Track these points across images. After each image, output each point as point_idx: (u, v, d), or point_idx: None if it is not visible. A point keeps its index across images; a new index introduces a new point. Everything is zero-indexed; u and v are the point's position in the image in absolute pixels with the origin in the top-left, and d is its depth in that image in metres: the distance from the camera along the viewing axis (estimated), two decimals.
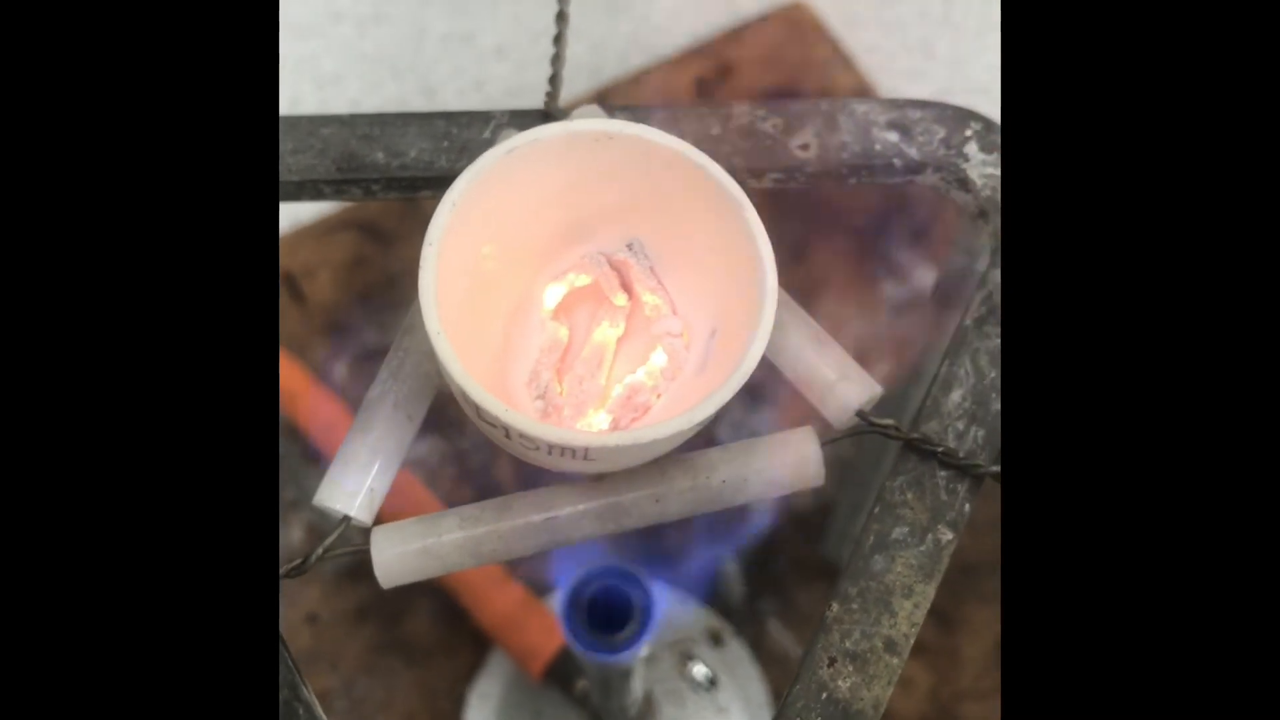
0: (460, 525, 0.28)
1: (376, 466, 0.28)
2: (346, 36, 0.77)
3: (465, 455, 0.65)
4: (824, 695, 0.27)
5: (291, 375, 0.66)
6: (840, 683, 0.27)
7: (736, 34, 0.76)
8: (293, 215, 0.72)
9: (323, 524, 0.60)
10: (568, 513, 0.28)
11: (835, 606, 0.27)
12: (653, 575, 0.41)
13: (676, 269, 0.29)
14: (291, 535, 0.65)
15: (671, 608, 0.43)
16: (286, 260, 0.71)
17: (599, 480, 0.28)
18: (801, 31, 0.76)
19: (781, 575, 0.65)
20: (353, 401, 0.67)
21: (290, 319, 0.69)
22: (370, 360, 0.69)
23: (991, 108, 0.36)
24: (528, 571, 0.63)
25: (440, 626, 0.63)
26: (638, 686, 0.48)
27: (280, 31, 0.83)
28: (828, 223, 0.71)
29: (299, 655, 0.26)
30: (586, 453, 0.25)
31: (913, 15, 0.77)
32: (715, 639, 0.62)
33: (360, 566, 0.67)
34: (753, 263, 0.26)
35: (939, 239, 0.73)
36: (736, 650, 0.62)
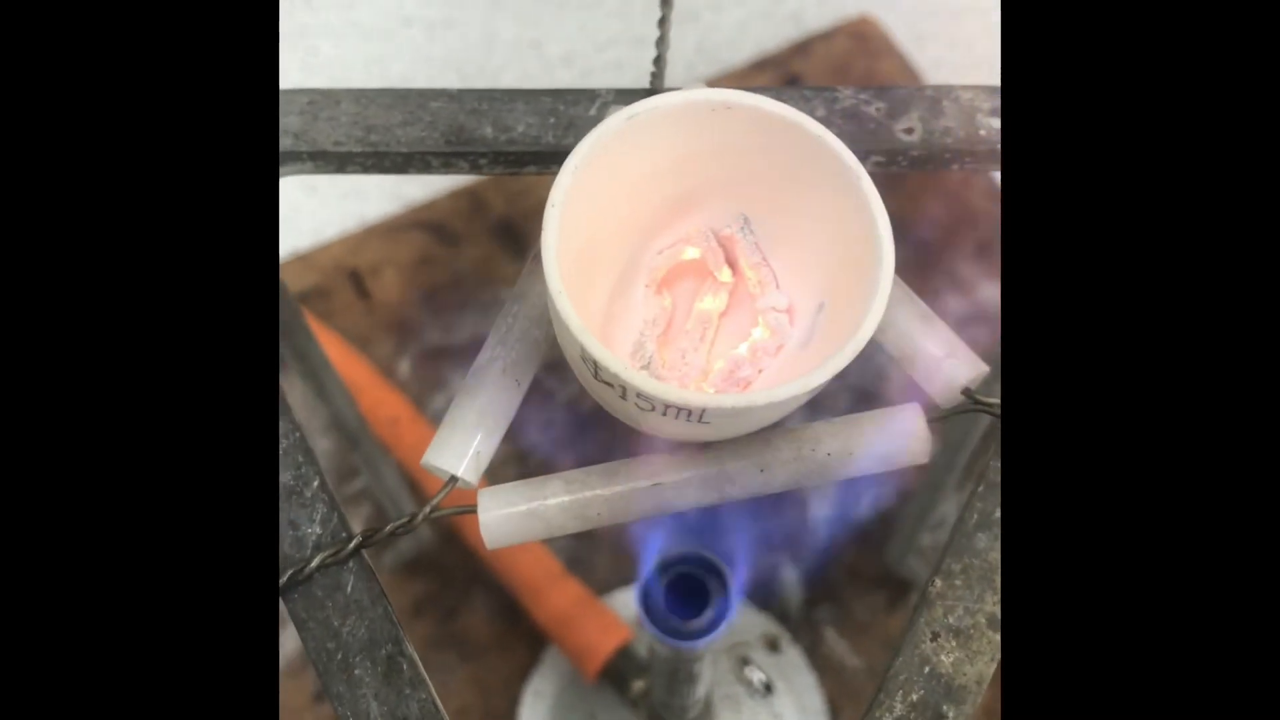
0: (566, 489, 0.28)
1: (483, 429, 0.28)
2: (416, 40, 0.78)
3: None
4: (926, 669, 0.27)
5: (356, 370, 0.66)
6: (943, 657, 0.27)
7: (803, 47, 0.77)
8: (360, 214, 0.73)
9: (390, 510, 0.61)
10: (673, 480, 0.28)
11: (938, 582, 0.27)
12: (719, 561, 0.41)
13: (785, 243, 0.29)
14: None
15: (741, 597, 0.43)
16: (352, 258, 0.72)
17: (704, 449, 0.28)
18: (868, 45, 0.77)
19: (839, 584, 0.64)
20: (416, 398, 0.67)
21: (355, 315, 0.70)
22: (434, 358, 0.70)
23: None
24: (588, 570, 0.63)
25: (497, 623, 0.63)
26: (702, 685, 0.48)
27: (350, 34, 0.85)
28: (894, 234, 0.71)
29: (353, 645, 0.27)
30: (702, 414, 0.25)
31: (979, 31, 0.77)
32: (772, 645, 0.62)
33: (419, 560, 0.67)
34: (867, 233, 0.26)
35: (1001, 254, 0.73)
36: (793, 657, 0.62)
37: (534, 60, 0.78)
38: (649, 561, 0.39)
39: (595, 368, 0.25)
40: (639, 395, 0.25)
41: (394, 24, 0.80)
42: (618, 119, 0.26)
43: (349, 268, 0.72)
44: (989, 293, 0.71)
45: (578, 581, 0.61)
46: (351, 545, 0.27)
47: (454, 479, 0.28)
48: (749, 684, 0.61)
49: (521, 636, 0.62)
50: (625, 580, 0.64)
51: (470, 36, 0.79)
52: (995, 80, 0.79)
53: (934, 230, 0.73)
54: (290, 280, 0.69)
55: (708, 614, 0.40)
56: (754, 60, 0.76)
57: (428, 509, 0.28)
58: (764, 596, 0.64)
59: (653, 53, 0.33)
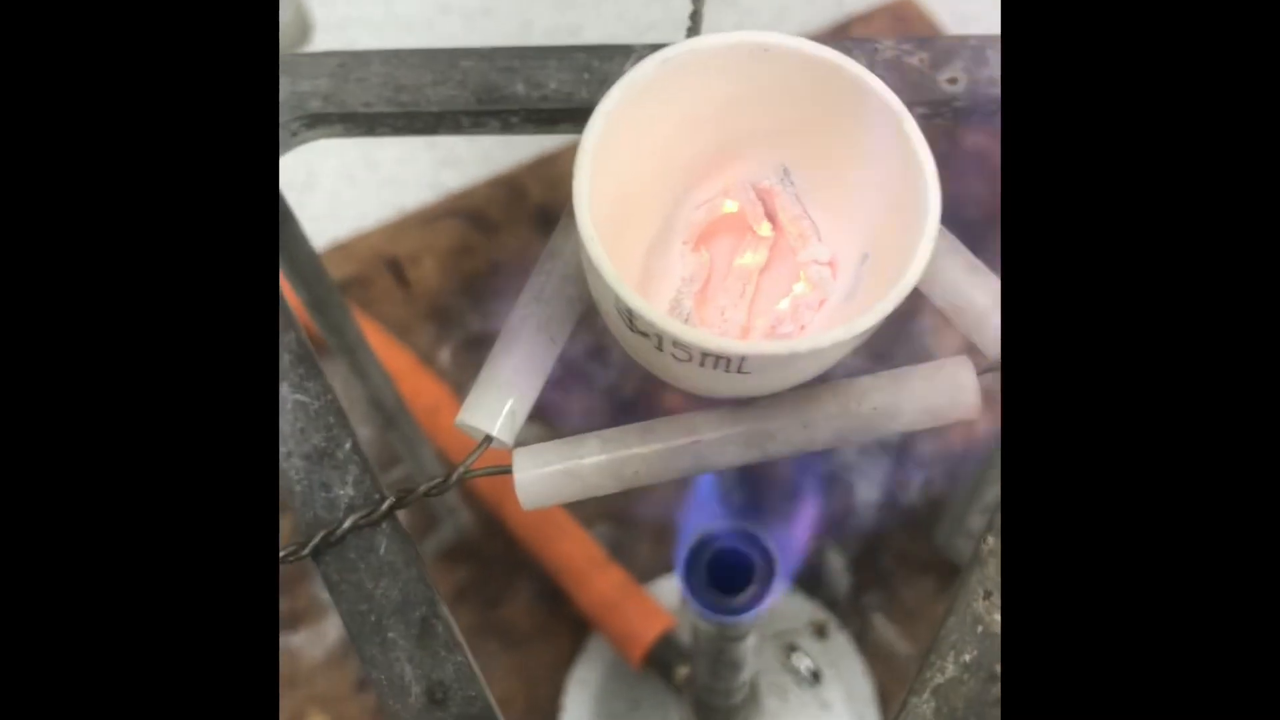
0: (602, 448, 0.27)
1: (518, 388, 0.27)
2: (453, 30, 0.78)
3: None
4: (979, 629, 0.26)
5: (396, 358, 0.66)
6: (995, 616, 0.26)
7: (843, 28, 0.76)
8: (397, 202, 0.73)
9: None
10: (712, 437, 0.27)
11: (990, 540, 0.26)
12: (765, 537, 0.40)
13: (827, 192, 0.28)
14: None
15: (786, 580, 0.42)
16: (391, 246, 0.71)
17: (745, 404, 0.27)
18: (909, 26, 0.76)
19: (888, 570, 0.63)
20: (456, 386, 0.67)
21: (395, 303, 0.70)
22: (474, 346, 0.69)
23: None
24: (630, 557, 0.62)
25: (539, 610, 0.62)
26: (747, 668, 0.47)
27: (390, 25, 0.84)
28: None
29: (386, 607, 0.26)
30: (742, 362, 0.24)
31: None
32: (820, 631, 0.61)
33: (461, 547, 0.67)
34: (912, 178, 0.25)
35: None
36: (841, 644, 0.61)
37: None
38: (691, 535, 0.38)
39: (630, 317, 0.24)
40: (675, 344, 0.24)
41: (432, 12, 0.80)
42: (652, 62, 0.26)
43: (388, 256, 0.72)
44: None
45: (620, 568, 0.61)
46: (385, 506, 0.27)
47: (488, 438, 0.27)
48: (796, 672, 0.60)
49: (564, 624, 0.62)
50: (667, 568, 0.63)
51: (508, 25, 0.79)
52: None
53: (979, 210, 0.72)
54: (330, 269, 0.69)
55: (751, 590, 0.39)
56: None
57: (461, 468, 0.27)
58: (811, 582, 0.63)
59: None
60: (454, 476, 0.27)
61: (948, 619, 0.26)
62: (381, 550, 0.27)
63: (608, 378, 0.62)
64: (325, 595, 0.62)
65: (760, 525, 0.39)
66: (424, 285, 0.71)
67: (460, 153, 0.75)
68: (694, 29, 0.31)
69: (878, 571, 0.63)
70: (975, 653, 0.25)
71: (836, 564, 0.64)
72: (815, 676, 0.60)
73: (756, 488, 0.61)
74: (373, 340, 0.60)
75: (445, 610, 0.26)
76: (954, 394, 0.27)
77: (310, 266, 0.37)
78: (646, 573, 0.62)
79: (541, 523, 0.61)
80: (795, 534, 0.39)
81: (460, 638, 0.26)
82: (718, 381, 0.25)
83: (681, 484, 0.43)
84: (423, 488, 0.27)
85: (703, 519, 0.39)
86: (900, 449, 0.66)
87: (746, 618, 0.39)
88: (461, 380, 0.68)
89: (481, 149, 0.75)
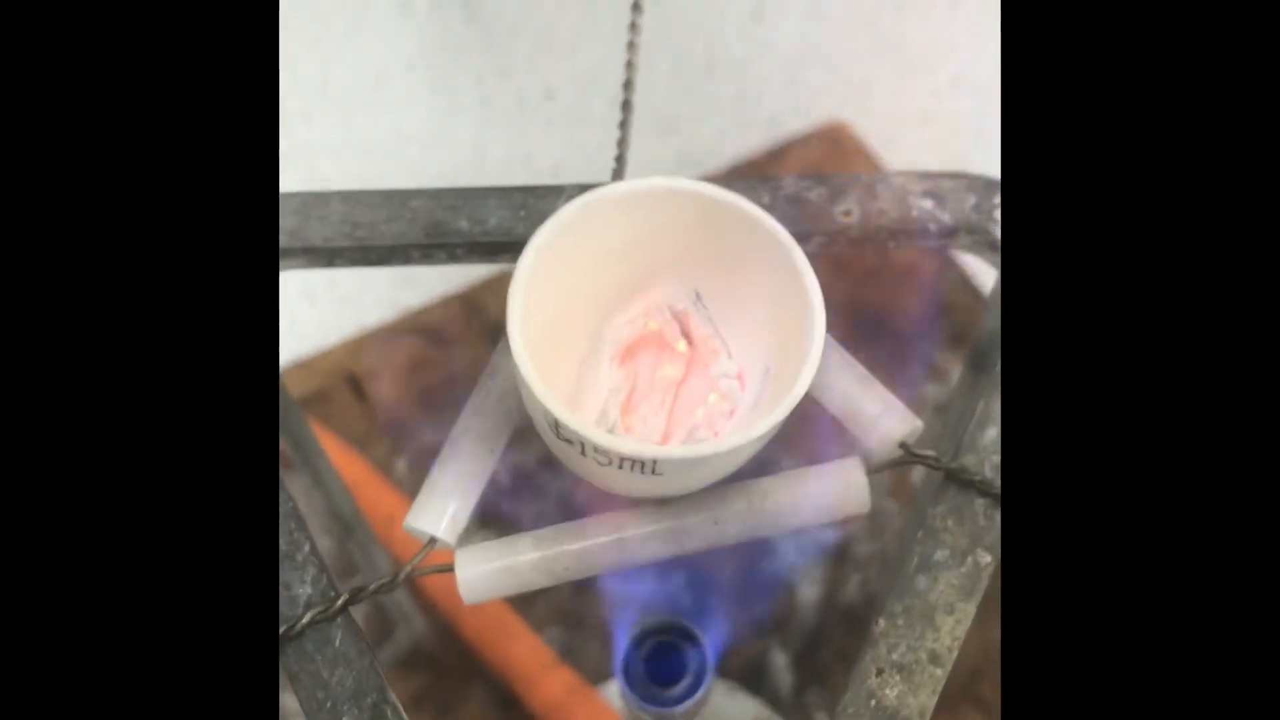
0: (536, 546, 0.30)
1: (459, 494, 0.31)
2: (412, 157, 0.82)
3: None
4: (873, 703, 0.29)
5: (354, 469, 0.69)
6: (888, 691, 0.29)
7: (779, 152, 0.81)
8: (358, 319, 0.76)
9: (386, 601, 0.62)
10: (635, 534, 0.30)
11: (882, 622, 0.30)
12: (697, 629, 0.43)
13: (733, 314, 0.32)
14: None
15: (719, 684, 0.44)
16: (350, 362, 0.74)
17: (663, 505, 0.30)
18: (841, 149, 0.81)
19: (828, 667, 0.66)
20: (411, 494, 0.70)
21: (353, 417, 0.73)
22: (428, 456, 0.72)
23: None
24: (579, 659, 0.64)
25: (492, 715, 0.64)
26: None
27: (349, 151, 0.89)
28: (871, 327, 0.74)
29: (341, 694, 0.29)
30: (655, 465, 0.27)
31: (946, 133, 0.81)
32: None
33: (416, 655, 0.69)
34: (802, 301, 0.29)
35: (975, 342, 0.76)
36: None
37: (523, 174, 0.82)
38: (626, 633, 0.41)
39: (557, 427, 0.27)
40: (596, 450, 0.27)
41: (391, 142, 0.84)
42: (575, 206, 0.29)
43: (347, 372, 0.75)
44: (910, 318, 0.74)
45: (570, 670, 0.63)
46: (339, 602, 0.30)
47: (433, 540, 0.30)
48: None
49: None
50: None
51: (463, 153, 0.83)
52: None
53: (910, 322, 0.76)
54: (292, 386, 0.72)
55: (685, 681, 0.41)
56: (732, 165, 0.80)
57: (408, 567, 0.30)
58: (754, 680, 0.65)
59: (639, 159, 0.36)
60: (401, 575, 0.30)
61: (844, 695, 0.29)
62: (337, 643, 0.29)
63: (552, 484, 0.65)
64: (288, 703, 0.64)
65: (695, 620, 0.42)
66: (381, 399, 0.74)
67: (418, 272, 0.78)
68: (619, 170, 0.35)
69: (819, 668, 0.66)
70: None
71: (779, 662, 0.67)
72: None
73: (697, 588, 0.64)
74: (332, 452, 0.62)
75: (394, 697, 0.29)
76: (847, 492, 0.30)
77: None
78: (597, 675, 0.64)
79: (493, 626, 0.64)
80: (724, 627, 0.42)
81: (406, 718, 0.29)
82: (635, 483, 0.29)
83: (621, 584, 0.46)
84: (373, 586, 0.30)
85: (636, 617, 0.42)
86: (838, 551, 0.69)
87: (679, 709, 0.41)
88: (417, 489, 0.70)
89: (438, 269, 0.78)
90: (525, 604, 0.66)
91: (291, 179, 0.35)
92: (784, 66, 0.84)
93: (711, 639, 0.41)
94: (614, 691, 0.64)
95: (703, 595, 0.60)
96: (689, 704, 0.41)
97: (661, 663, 0.42)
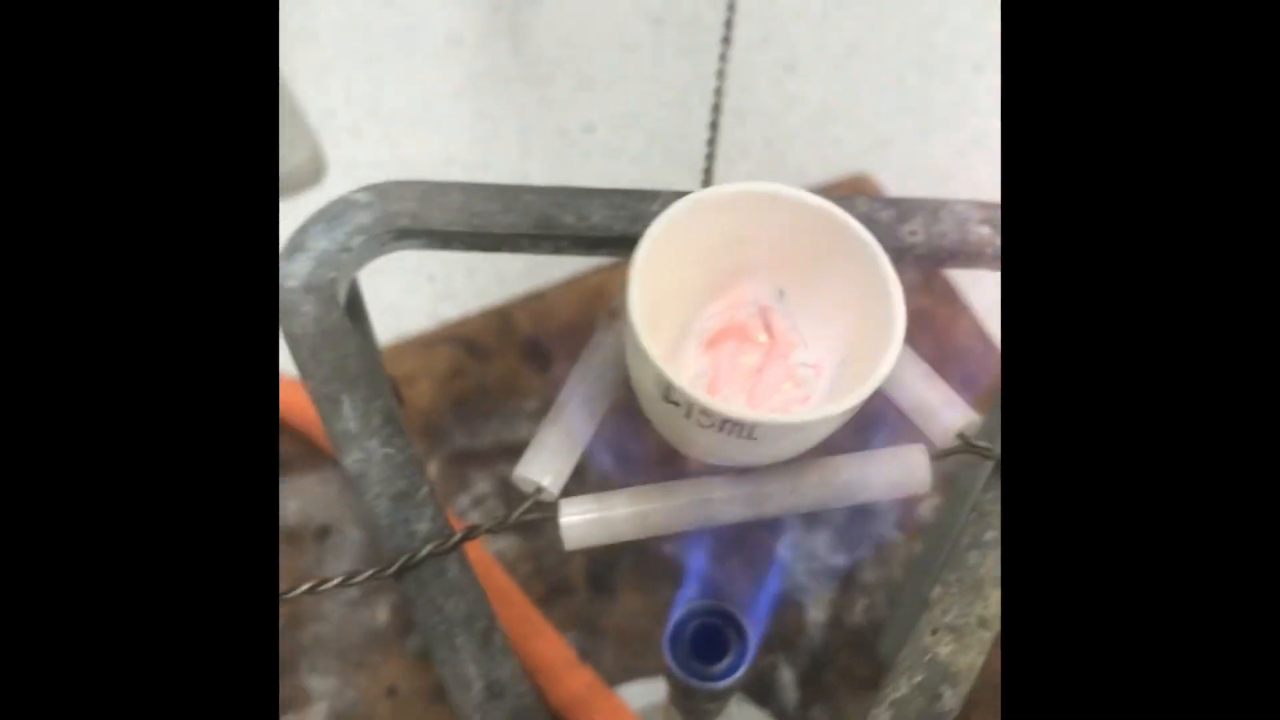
0: (631, 502, 0.34)
1: (563, 450, 0.34)
2: (456, 179, 0.86)
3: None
4: (927, 658, 0.32)
5: None
6: (941, 649, 0.32)
7: None
8: (397, 328, 0.80)
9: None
10: (719, 495, 0.34)
11: (938, 589, 0.33)
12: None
13: (814, 311, 0.36)
14: (377, 614, 0.70)
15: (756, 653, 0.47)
16: (391, 367, 0.78)
17: (745, 473, 0.34)
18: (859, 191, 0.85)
19: (833, 686, 0.69)
20: (442, 496, 0.73)
21: None
22: (460, 461, 0.75)
23: None
24: (597, 663, 0.67)
25: None
26: None
27: (396, 170, 0.93)
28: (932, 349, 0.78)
29: (455, 619, 0.32)
30: (754, 429, 0.31)
31: (964, 189, 0.86)
32: None
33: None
34: (883, 299, 0.33)
35: (985, 387, 0.80)
36: None
37: None
38: (676, 612, 0.45)
39: (668, 389, 0.31)
40: (702, 412, 0.31)
41: (435, 164, 0.88)
42: (687, 201, 0.33)
43: (387, 376, 0.78)
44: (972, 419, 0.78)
45: (590, 669, 0.66)
46: (454, 539, 0.33)
47: (539, 489, 0.34)
48: None
49: None
50: (631, 675, 0.68)
51: (503, 178, 0.87)
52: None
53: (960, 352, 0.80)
54: None
55: (728, 659, 0.45)
56: None
57: (520, 510, 0.33)
58: (762, 695, 0.68)
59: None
60: (513, 517, 0.33)
61: (902, 649, 0.32)
62: (451, 575, 0.33)
63: (644, 455, 0.69)
64: (312, 684, 0.67)
65: (732, 604, 0.45)
66: (418, 404, 0.77)
67: (457, 287, 0.82)
68: (707, 180, 0.39)
69: (823, 687, 0.69)
70: (923, 676, 0.32)
71: (786, 679, 0.70)
72: None
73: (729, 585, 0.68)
74: None
75: (500, 624, 0.32)
76: (910, 472, 0.34)
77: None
78: (610, 678, 0.67)
79: (519, 622, 0.67)
80: (759, 610, 0.45)
81: (511, 647, 0.32)
82: (729, 447, 0.32)
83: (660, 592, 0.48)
84: (486, 525, 0.33)
85: (684, 603, 0.45)
86: (846, 576, 0.73)
87: (723, 684, 0.44)
88: (448, 491, 0.74)
89: (476, 285, 0.82)
90: (544, 607, 0.70)
91: (338, 189, 0.39)
92: (813, 118, 0.89)
93: (753, 628, 0.45)
94: (632, 693, 0.67)
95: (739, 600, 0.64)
96: (729, 681, 0.45)
97: (706, 643, 0.45)
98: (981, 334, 0.79)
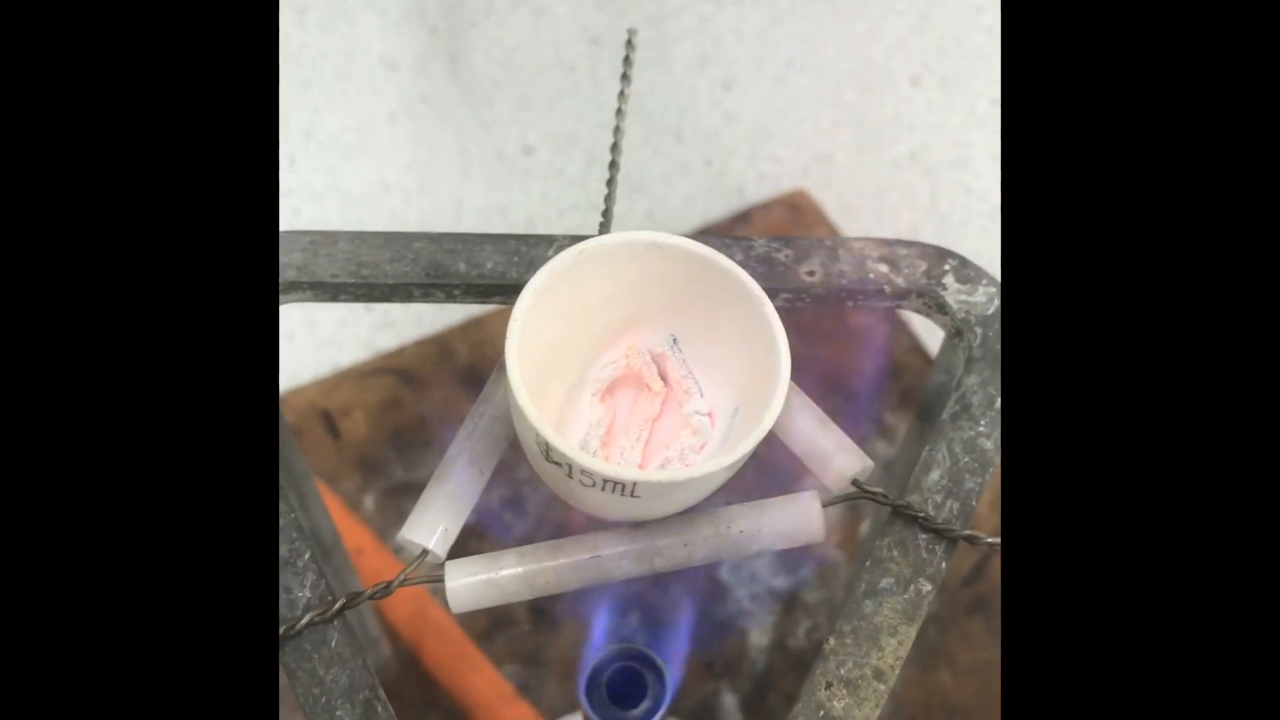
0: (519, 561, 0.33)
1: (451, 511, 0.33)
2: (394, 205, 0.85)
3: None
4: (821, 713, 0.32)
5: (326, 503, 0.71)
6: (835, 703, 0.32)
7: (745, 216, 0.85)
8: (333, 360, 0.79)
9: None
10: (610, 552, 0.33)
11: (832, 640, 0.33)
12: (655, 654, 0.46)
13: (706, 358, 0.35)
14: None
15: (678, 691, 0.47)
16: (325, 400, 0.77)
17: (636, 528, 0.33)
18: (802, 216, 0.85)
19: (777, 711, 0.69)
20: (379, 530, 0.72)
21: (325, 452, 0.75)
22: (397, 494, 0.75)
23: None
24: (536, 696, 0.67)
25: None
26: None
27: (331, 196, 0.92)
28: (825, 386, 0.78)
29: (335, 691, 0.32)
30: (634, 488, 0.30)
31: (901, 205, 0.86)
32: None
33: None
34: (770, 348, 0.32)
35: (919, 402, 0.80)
36: None
37: (500, 223, 0.86)
38: (592, 657, 0.44)
39: (547, 449, 0.30)
40: (582, 472, 0.30)
41: (374, 189, 0.87)
42: (570, 253, 0.33)
43: (321, 409, 0.77)
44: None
45: (528, 704, 0.65)
46: (336, 606, 0.32)
47: (425, 551, 0.33)
48: None
49: None
50: (572, 706, 0.67)
51: (443, 202, 0.87)
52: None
53: (863, 383, 0.80)
54: None
55: (645, 704, 0.44)
56: (699, 228, 0.84)
57: (402, 575, 0.33)
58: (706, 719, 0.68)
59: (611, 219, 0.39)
60: (395, 582, 0.33)
61: (795, 706, 0.32)
62: (332, 644, 0.32)
63: (534, 508, 0.68)
64: None
65: (651, 646, 0.45)
66: (354, 436, 0.76)
67: (395, 316, 0.81)
68: (605, 224, 0.39)
69: (767, 711, 0.69)
70: None
71: (729, 704, 0.69)
72: None
73: (653, 623, 0.67)
74: None
75: (383, 694, 0.31)
76: (804, 521, 0.33)
77: None
78: (553, 710, 0.66)
79: (454, 657, 0.66)
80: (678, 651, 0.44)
81: (395, 717, 0.31)
82: (614, 505, 0.32)
83: (584, 625, 0.48)
84: (368, 591, 0.32)
85: (601, 646, 0.45)
86: (788, 599, 0.72)
87: None
88: (385, 525, 0.73)
89: (414, 313, 0.81)
90: (485, 640, 0.69)
91: None
92: (751, 135, 0.88)
93: (671, 671, 0.44)
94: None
95: (662, 633, 0.63)
96: None
97: (623, 687, 0.45)
98: (919, 350, 0.79)
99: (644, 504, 0.31)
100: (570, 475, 0.31)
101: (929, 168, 0.87)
